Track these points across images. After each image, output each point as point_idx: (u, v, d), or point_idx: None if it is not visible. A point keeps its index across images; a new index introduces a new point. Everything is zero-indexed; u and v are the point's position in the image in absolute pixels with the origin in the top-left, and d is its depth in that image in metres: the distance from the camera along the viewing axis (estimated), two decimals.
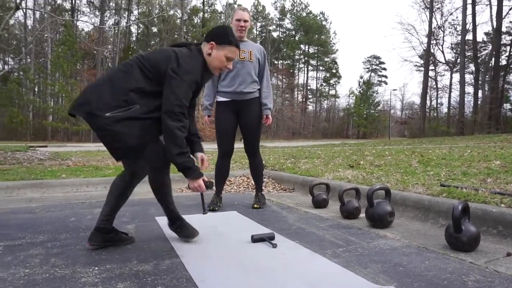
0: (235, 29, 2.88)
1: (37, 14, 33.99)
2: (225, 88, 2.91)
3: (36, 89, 35.18)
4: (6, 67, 35.01)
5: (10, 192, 3.51)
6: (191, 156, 1.81)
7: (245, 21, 2.88)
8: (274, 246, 1.83)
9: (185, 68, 1.74)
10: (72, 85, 31.24)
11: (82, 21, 42.04)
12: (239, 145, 3.25)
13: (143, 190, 3.85)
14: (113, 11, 40.34)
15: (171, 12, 40.58)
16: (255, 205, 2.94)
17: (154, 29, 42.88)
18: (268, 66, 3.14)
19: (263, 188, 3.28)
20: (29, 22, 35.35)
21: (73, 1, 37.85)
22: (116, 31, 38.46)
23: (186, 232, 1.93)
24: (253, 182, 4.22)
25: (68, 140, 32.64)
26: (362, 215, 2.44)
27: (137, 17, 40.88)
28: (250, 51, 2.90)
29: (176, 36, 41.41)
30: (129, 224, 2.33)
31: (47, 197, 3.44)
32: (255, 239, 1.91)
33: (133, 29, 44.15)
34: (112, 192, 1.91)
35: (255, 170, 3.09)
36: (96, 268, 1.52)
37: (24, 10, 28.51)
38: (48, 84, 30.65)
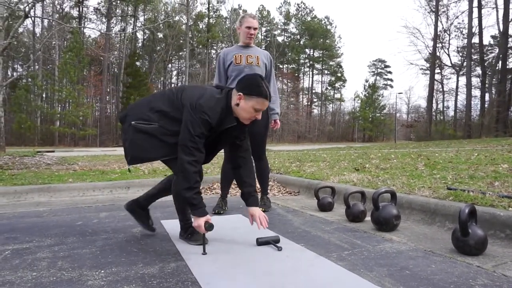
0: (245, 35, 2.93)
1: (45, 22, 34.52)
2: None
3: (44, 95, 35.59)
4: (15, 74, 35.52)
5: (18, 197, 3.55)
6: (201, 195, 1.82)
7: (255, 28, 2.94)
8: (279, 249, 1.83)
9: (202, 106, 1.78)
10: (79, 90, 31.64)
11: (89, 28, 42.56)
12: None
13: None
14: (120, 18, 40.80)
15: (177, 18, 40.94)
16: (261, 208, 2.92)
17: (160, 35, 43.27)
18: (274, 71, 3.17)
19: (268, 191, 3.28)
20: (38, 30, 35.92)
21: (81, 9, 38.37)
22: (123, 37, 38.89)
23: (197, 236, 1.95)
24: (258, 185, 4.24)
25: (75, 145, 32.93)
26: (368, 218, 2.43)
27: (143, 23, 41.30)
28: (257, 56, 2.94)
29: (181, 41, 41.74)
30: (134, 227, 2.35)
31: (54, 201, 3.47)
32: (260, 242, 1.91)
33: (139, 35, 44.62)
34: (161, 182, 2.21)
35: (261, 173, 3.10)
36: (103, 271, 1.54)
37: (33, 18, 28.99)
38: (55, 90, 31.05)
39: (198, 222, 1.77)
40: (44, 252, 1.82)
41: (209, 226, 1.78)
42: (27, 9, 7.38)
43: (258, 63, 2.93)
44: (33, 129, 30.80)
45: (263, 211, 2.86)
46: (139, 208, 2.23)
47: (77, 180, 4.15)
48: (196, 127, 1.77)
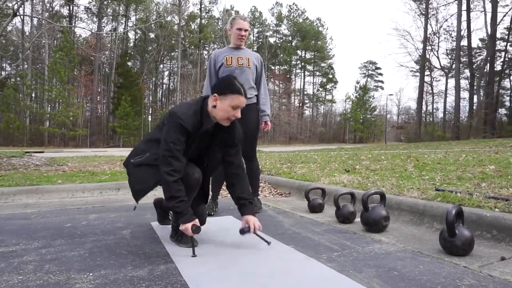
0: (235, 37, 2.93)
1: (35, 20, 34.04)
2: None
3: (33, 95, 35.10)
4: (3, 73, 34.98)
5: (5, 198, 3.50)
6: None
7: (246, 30, 2.94)
8: (269, 243, 1.85)
9: (175, 113, 1.82)
10: (69, 90, 31.30)
11: (79, 27, 42.19)
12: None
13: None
14: (111, 17, 40.45)
15: (169, 18, 40.76)
16: None
17: (152, 35, 43.03)
18: (265, 73, 3.20)
19: (259, 192, 3.28)
20: (27, 29, 35.45)
21: (71, 8, 37.96)
22: (114, 37, 38.56)
23: (186, 239, 1.93)
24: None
25: (65, 145, 32.54)
26: (358, 219, 2.45)
27: (134, 23, 41.01)
28: (248, 58, 2.95)
29: (173, 41, 41.55)
30: (124, 229, 2.33)
31: (43, 203, 3.42)
32: (244, 232, 1.95)
33: (131, 35, 44.35)
34: None
35: (251, 174, 3.07)
36: (91, 274, 1.52)
37: (22, 16, 28.56)
38: (45, 90, 30.66)
39: (185, 226, 1.77)
40: (31, 255, 1.79)
41: (196, 229, 1.77)
42: (15, 7, 7.28)
43: (249, 65, 2.94)
44: (21, 129, 30.36)
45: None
46: (161, 209, 2.40)
47: (66, 182, 4.09)
48: (171, 133, 1.79)
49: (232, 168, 2.05)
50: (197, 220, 1.81)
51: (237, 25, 2.93)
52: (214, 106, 1.86)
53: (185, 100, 42.20)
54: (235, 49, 2.98)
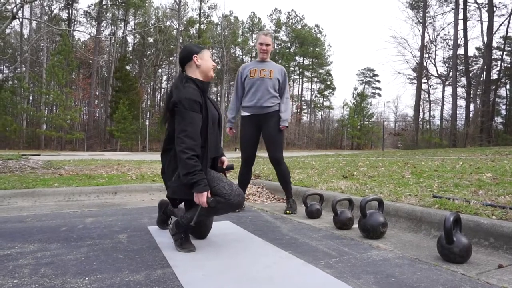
0: (259, 51, 3.23)
1: (34, 23, 34.03)
2: (247, 103, 3.21)
3: (31, 98, 34.99)
4: (0, 75, 34.86)
5: (1, 201, 3.47)
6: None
7: (267, 44, 3.18)
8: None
9: (179, 99, 1.91)
10: (67, 94, 31.23)
11: (78, 31, 42.23)
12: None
13: (136, 199, 3.84)
14: (110, 21, 40.53)
15: (168, 23, 40.89)
16: (287, 211, 3.11)
17: (151, 40, 43.11)
18: (288, 85, 3.43)
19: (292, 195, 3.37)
20: (25, 32, 35.39)
21: (70, 11, 38.01)
22: (113, 41, 38.63)
23: (187, 244, 1.95)
24: (247, 192, 4.22)
25: (62, 148, 32.39)
26: (355, 225, 2.45)
27: (133, 27, 41.10)
28: (271, 70, 3.20)
29: (172, 46, 41.65)
30: (121, 233, 2.31)
31: (39, 206, 3.40)
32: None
33: (129, 39, 44.41)
34: None
35: (282, 178, 3.27)
36: (87, 278, 1.51)
37: (21, 19, 28.61)
38: (42, 93, 30.59)
39: (201, 196, 1.82)
40: (26, 258, 1.77)
41: (212, 201, 1.82)
42: (15, 10, 7.28)
43: (270, 76, 3.18)
44: (18, 132, 30.23)
45: (289, 213, 3.07)
46: (164, 213, 2.42)
47: (62, 185, 4.07)
48: (185, 115, 1.89)
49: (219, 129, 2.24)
50: (209, 193, 1.86)
51: (259, 40, 3.22)
52: (198, 66, 2.07)
53: None
54: (260, 62, 3.24)
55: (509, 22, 27.84)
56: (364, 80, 58.63)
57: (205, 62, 2.09)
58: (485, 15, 26.71)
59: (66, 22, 37.43)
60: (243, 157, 3.29)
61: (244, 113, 3.27)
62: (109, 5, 39.29)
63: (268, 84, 3.15)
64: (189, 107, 1.90)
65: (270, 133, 3.17)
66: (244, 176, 3.34)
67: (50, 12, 36.41)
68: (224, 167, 2.22)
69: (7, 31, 30.48)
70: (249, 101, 3.18)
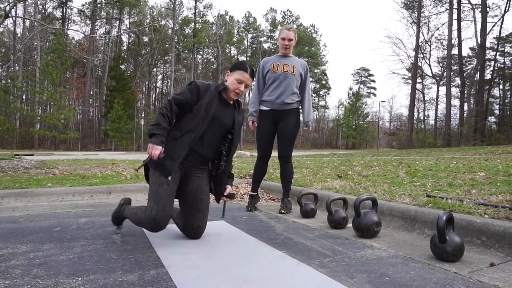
0: (281, 46, 3.19)
1: (27, 22, 33.72)
2: (267, 97, 3.18)
3: (24, 97, 34.67)
4: None
5: None
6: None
7: (290, 40, 3.16)
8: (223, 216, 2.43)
9: (192, 82, 2.20)
10: (61, 93, 30.99)
11: (72, 30, 41.87)
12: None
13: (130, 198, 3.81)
14: (104, 20, 40.28)
15: (163, 22, 40.72)
16: (282, 211, 3.10)
17: (145, 39, 42.90)
18: (310, 79, 3.42)
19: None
20: (19, 30, 35.09)
21: (64, 10, 37.69)
22: (107, 40, 38.39)
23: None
24: (242, 191, 4.22)
25: (55, 148, 32.14)
26: (350, 225, 2.46)
27: (128, 26, 40.87)
28: (294, 66, 3.17)
29: (167, 45, 41.50)
30: (115, 234, 2.30)
31: (32, 206, 3.37)
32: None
33: (124, 38, 44.16)
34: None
35: (285, 176, 3.28)
36: (80, 279, 1.50)
37: (14, 18, 28.30)
38: (36, 92, 30.33)
39: (152, 150, 1.95)
40: (18, 259, 1.76)
41: (163, 158, 1.97)
42: (7, 8, 7.20)
43: (293, 72, 3.15)
44: (11, 132, 29.94)
45: (284, 213, 3.07)
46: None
47: (56, 185, 4.04)
48: (181, 90, 2.15)
49: (230, 153, 2.33)
50: (163, 149, 1.99)
51: (281, 34, 3.19)
52: (226, 81, 2.22)
53: None
54: (282, 57, 3.21)
55: (502, 22, 28.13)
56: (359, 80, 58.86)
57: (230, 81, 2.21)
58: (478, 16, 26.96)
59: (60, 21, 37.14)
60: (260, 154, 3.29)
61: (262, 107, 3.23)
62: (103, 4, 39.04)
63: (291, 81, 3.14)
64: (190, 86, 2.15)
65: (286, 131, 3.16)
66: (260, 172, 3.33)
67: (43, 11, 36.11)
68: (225, 194, 2.29)
69: (0, 29, 30.18)
70: (269, 95, 3.16)
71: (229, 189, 2.30)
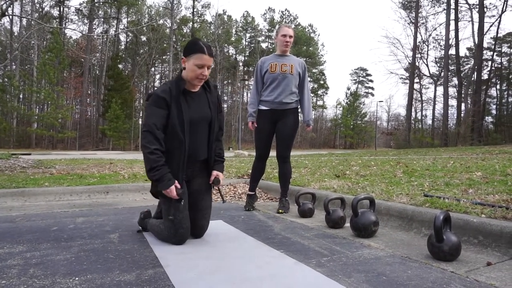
0: (281, 44, 3.11)
1: (24, 21, 33.56)
2: (266, 97, 3.15)
3: (21, 96, 34.52)
4: None
5: None
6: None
7: (290, 36, 3.11)
8: (224, 201, 2.33)
9: (151, 95, 1.99)
10: (58, 92, 30.88)
11: (70, 29, 41.69)
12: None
13: (128, 199, 3.81)
14: (102, 19, 40.15)
15: (161, 21, 40.63)
16: (280, 210, 3.09)
17: (143, 38, 42.80)
18: (308, 78, 3.38)
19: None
20: (16, 29, 34.93)
21: (61, 9, 37.56)
22: (105, 39, 38.27)
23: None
24: (240, 191, 4.22)
25: (53, 147, 32.03)
26: (347, 224, 2.46)
27: (126, 25, 40.76)
28: (292, 65, 3.13)
29: (165, 45, 41.41)
30: (112, 233, 2.29)
31: (29, 205, 3.36)
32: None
33: (122, 37, 44.05)
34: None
35: (283, 176, 3.27)
36: (77, 279, 1.49)
37: (10, 16, 28.16)
38: (33, 91, 30.20)
39: (169, 194, 1.90)
40: (15, 259, 1.75)
41: (182, 193, 1.91)
42: (4, 6, 7.17)
43: (291, 71, 3.11)
44: (8, 131, 29.82)
45: (281, 213, 3.06)
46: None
47: (53, 184, 4.03)
48: (148, 110, 1.96)
49: (219, 134, 2.26)
50: (177, 182, 1.92)
51: (282, 31, 3.12)
52: (184, 69, 2.01)
53: None
54: (280, 56, 3.16)
55: (499, 23, 28.24)
56: (357, 80, 58.98)
57: (189, 69, 1.99)
58: (476, 16, 27.06)
59: (57, 20, 36.98)
60: (258, 154, 3.27)
61: (261, 107, 3.20)
62: (101, 3, 38.91)
63: (289, 81, 3.11)
64: (153, 102, 1.94)
65: (285, 131, 3.16)
66: (258, 172, 3.31)
67: (41, 10, 35.96)
68: (210, 182, 2.19)
69: None
70: (268, 96, 3.13)
71: (214, 174, 2.17)
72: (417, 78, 36.21)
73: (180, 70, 2.07)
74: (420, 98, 40.78)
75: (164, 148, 1.96)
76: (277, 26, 3.22)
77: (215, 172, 2.18)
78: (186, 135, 1.98)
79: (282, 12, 52.62)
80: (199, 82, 2.03)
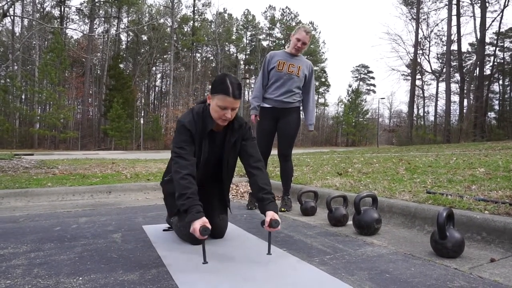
0: (293, 45, 3.07)
1: (25, 21, 33.63)
2: (269, 94, 3.13)
3: (23, 97, 34.62)
4: None
5: None
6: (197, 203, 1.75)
7: (304, 43, 3.05)
8: (268, 252, 1.83)
9: (178, 120, 1.94)
10: (60, 92, 30.96)
11: (71, 29, 41.73)
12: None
13: (130, 199, 3.82)
14: (103, 19, 40.17)
15: (161, 20, 40.61)
16: (282, 209, 3.09)
17: (144, 37, 42.80)
18: (314, 81, 3.34)
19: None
20: (17, 29, 34.97)
21: (62, 9, 37.59)
22: (106, 39, 38.30)
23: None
24: (242, 190, 4.23)
25: (55, 148, 32.12)
26: (350, 222, 2.46)
27: (126, 25, 40.76)
28: (299, 67, 3.11)
29: (166, 44, 41.41)
30: (115, 233, 2.30)
31: (32, 206, 3.37)
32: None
33: (123, 37, 44.06)
34: None
35: (285, 174, 3.28)
36: (80, 278, 1.50)
37: (12, 17, 28.21)
38: (35, 92, 30.28)
39: (193, 226, 1.68)
40: (19, 259, 1.76)
41: (203, 230, 1.65)
42: (5, 7, 7.18)
43: (298, 73, 3.09)
44: (11, 131, 29.93)
45: (284, 211, 3.05)
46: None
47: (56, 184, 4.04)
48: (176, 137, 1.91)
49: (252, 160, 2.03)
50: (206, 220, 1.70)
51: (298, 34, 3.05)
52: (209, 105, 1.92)
53: (177, 103, 41.54)
54: (290, 55, 3.11)
55: (501, 18, 28.03)
56: (359, 77, 58.79)
57: (212, 108, 1.87)
58: (478, 11, 26.86)
59: (58, 20, 37.01)
60: (260, 152, 3.26)
61: (264, 105, 3.17)
62: (101, 3, 38.91)
63: (294, 82, 3.08)
64: (180, 131, 1.89)
65: (287, 129, 3.15)
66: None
67: (42, 10, 36.00)
68: (266, 225, 1.79)
69: None
70: (271, 93, 3.11)
71: (270, 215, 1.81)
72: (419, 74, 36.03)
73: (208, 104, 1.94)
74: (422, 95, 40.61)
75: (195, 173, 1.86)
76: (299, 25, 3.13)
77: (270, 213, 1.82)
78: (198, 171, 1.94)
79: (282, 9, 52.56)
80: (222, 123, 1.89)
